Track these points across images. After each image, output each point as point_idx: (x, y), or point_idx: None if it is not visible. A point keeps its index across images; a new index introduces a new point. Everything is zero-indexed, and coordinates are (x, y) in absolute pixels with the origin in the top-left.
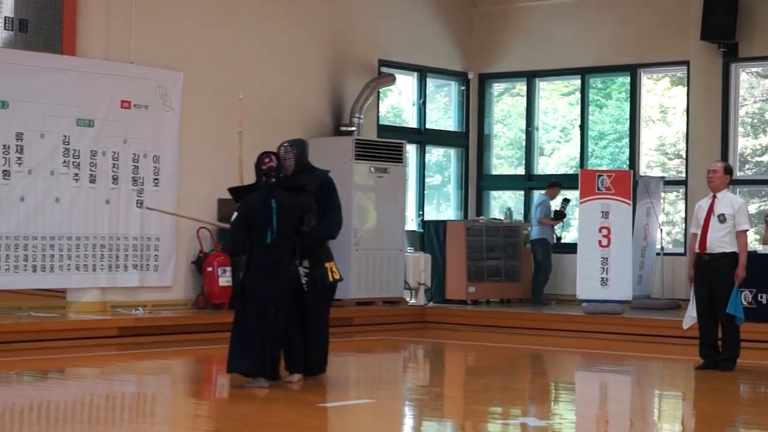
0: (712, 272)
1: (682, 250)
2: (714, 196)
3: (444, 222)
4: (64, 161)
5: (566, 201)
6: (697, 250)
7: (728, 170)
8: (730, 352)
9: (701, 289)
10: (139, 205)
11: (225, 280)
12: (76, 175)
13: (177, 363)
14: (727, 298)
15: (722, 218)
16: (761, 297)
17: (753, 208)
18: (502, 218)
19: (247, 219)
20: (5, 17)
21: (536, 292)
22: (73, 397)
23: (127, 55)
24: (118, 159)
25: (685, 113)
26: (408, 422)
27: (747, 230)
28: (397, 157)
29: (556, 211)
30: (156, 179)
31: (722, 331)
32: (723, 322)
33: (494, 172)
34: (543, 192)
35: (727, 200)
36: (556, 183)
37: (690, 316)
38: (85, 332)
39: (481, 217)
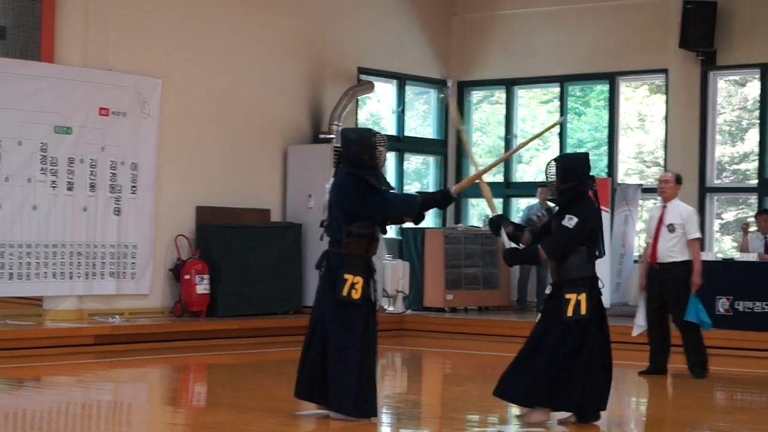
0: (664, 282)
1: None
2: (664, 206)
3: (422, 229)
4: (42, 168)
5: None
6: (649, 260)
7: (679, 180)
8: (696, 359)
9: (652, 298)
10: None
11: (202, 287)
12: (54, 182)
13: (154, 371)
14: (682, 306)
15: (671, 228)
16: (738, 305)
17: (731, 215)
18: (481, 226)
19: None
20: None
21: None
22: (49, 406)
23: (106, 63)
24: (96, 166)
25: (663, 121)
26: (385, 430)
27: (699, 238)
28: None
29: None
30: (134, 186)
31: (682, 339)
32: (681, 330)
33: None
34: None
35: (677, 210)
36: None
37: (638, 325)
38: (62, 340)
39: (460, 225)
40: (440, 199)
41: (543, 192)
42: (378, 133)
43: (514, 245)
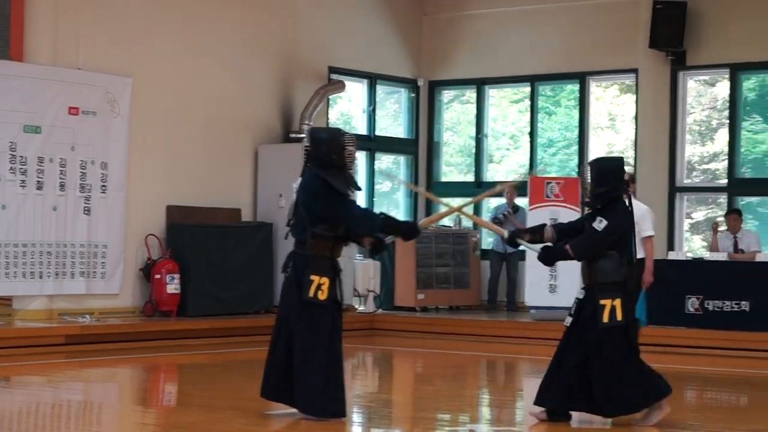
0: None
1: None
2: None
3: None
4: (11, 168)
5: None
6: None
7: (633, 179)
8: None
9: None
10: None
11: (173, 287)
12: (23, 181)
13: (124, 371)
14: (635, 301)
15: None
16: (708, 304)
17: (701, 215)
18: (452, 225)
19: None
20: None
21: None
22: (19, 406)
23: (75, 61)
24: (66, 165)
25: (633, 121)
26: (356, 429)
27: (652, 236)
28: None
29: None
30: (104, 186)
31: None
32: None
33: (444, 179)
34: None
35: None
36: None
37: None
38: (32, 340)
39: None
40: (405, 229)
41: (509, 192)
42: (347, 133)
43: (547, 244)
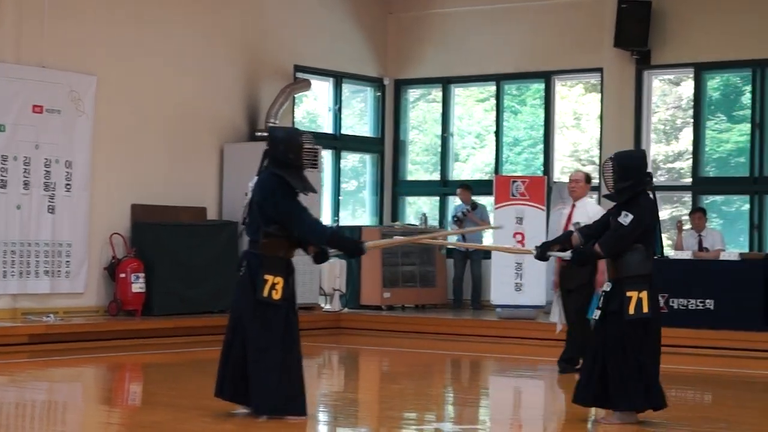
0: (569, 278)
1: None
2: (573, 205)
3: (359, 227)
4: None
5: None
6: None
7: (589, 179)
8: (570, 354)
9: (563, 296)
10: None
11: (138, 286)
12: None
13: (89, 370)
14: (584, 303)
15: (578, 226)
16: (673, 302)
17: (665, 214)
18: (418, 224)
19: None
20: None
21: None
22: None
23: (39, 59)
24: (30, 164)
25: (598, 120)
26: (322, 429)
27: None
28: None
29: (455, 216)
30: (68, 185)
31: (569, 332)
32: (572, 324)
33: (409, 178)
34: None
35: (585, 209)
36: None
37: (557, 322)
38: None
39: (397, 223)
40: (350, 246)
41: (463, 193)
42: (305, 132)
43: (576, 249)
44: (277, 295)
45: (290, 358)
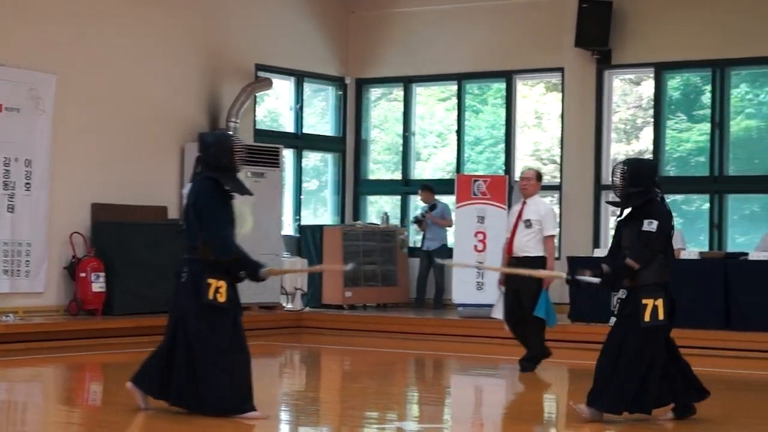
0: (518, 276)
1: (556, 255)
2: (524, 202)
3: (321, 227)
4: None
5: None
6: (507, 254)
7: (540, 177)
8: (532, 353)
9: (508, 293)
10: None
11: (98, 285)
12: None
13: (49, 370)
14: (533, 301)
15: (528, 223)
16: None
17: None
18: (379, 223)
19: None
20: None
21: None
22: None
23: None
24: None
25: (559, 119)
26: (283, 428)
27: (553, 235)
28: (274, 161)
29: (415, 217)
30: (28, 183)
31: (527, 332)
32: (529, 323)
33: (371, 177)
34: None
35: (535, 206)
36: (427, 186)
37: (499, 317)
38: None
39: (358, 222)
40: (251, 268)
41: (423, 194)
42: (235, 135)
43: (605, 272)
44: (221, 298)
45: (239, 359)
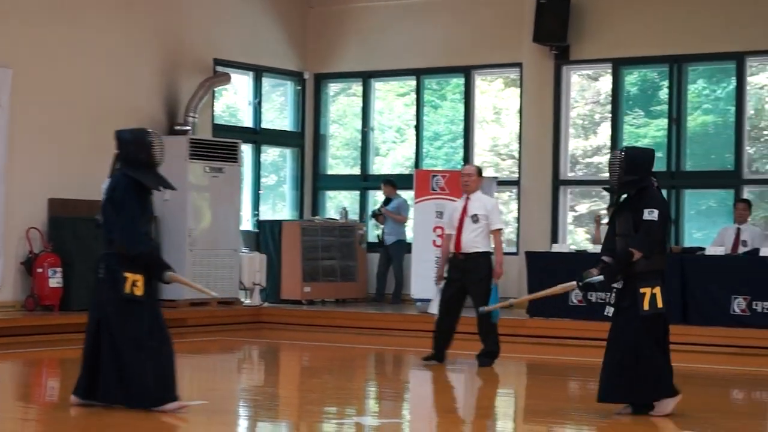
0: (466, 271)
1: (514, 250)
2: (468, 198)
3: (279, 222)
4: None
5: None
6: (453, 250)
7: (480, 172)
8: (488, 347)
9: (449, 288)
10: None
11: (55, 281)
12: None
13: (5, 366)
14: (484, 296)
15: (475, 219)
16: (591, 296)
17: (583, 208)
18: (338, 218)
19: None
20: None
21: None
22: None
23: None
24: None
25: (518, 114)
26: (242, 423)
27: (501, 229)
28: (233, 156)
29: (372, 213)
30: None
31: (480, 328)
32: (480, 318)
33: (330, 172)
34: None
35: (480, 201)
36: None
37: (434, 312)
38: None
39: (317, 217)
40: (157, 268)
41: (385, 188)
42: (152, 131)
43: (606, 265)
44: (138, 291)
45: (161, 350)
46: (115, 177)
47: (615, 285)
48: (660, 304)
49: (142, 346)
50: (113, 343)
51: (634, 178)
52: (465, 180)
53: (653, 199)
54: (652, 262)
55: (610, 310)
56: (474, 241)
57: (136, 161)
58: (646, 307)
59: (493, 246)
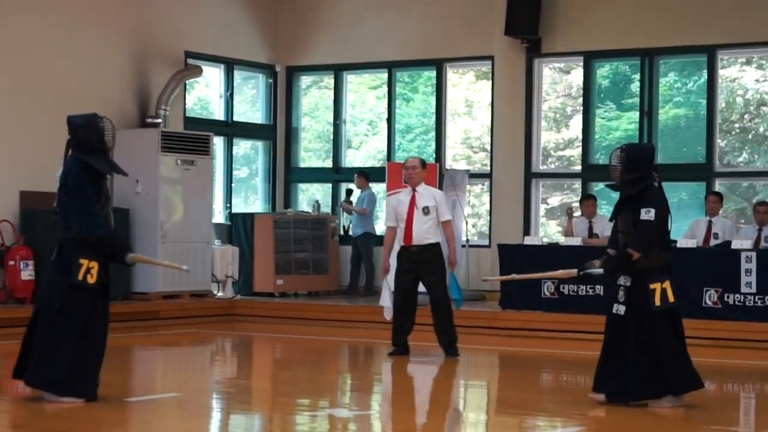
0: (420, 263)
1: (487, 242)
2: (415, 191)
3: (252, 215)
4: None
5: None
6: (404, 243)
7: (424, 164)
8: (450, 337)
9: (404, 280)
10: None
11: (27, 273)
12: None
13: None
14: (442, 284)
15: (426, 211)
16: (563, 288)
17: (555, 201)
18: (310, 211)
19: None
20: None
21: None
22: None
23: None
24: None
25: (489, 107)
26: (215, 415)
27: (450, 219)
28: (204, 149)
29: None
30: None
31: (437, 317)
32: (438, 308)
33: (302, 165)
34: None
35: (428, 193)
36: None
37: (388, 308)
38: None
39: (289, 210)
40: (118, 251)
41: (357, 180)
42: (104, 117)
43: (606, 260)
44: (92, 279)
45: (95, 344)
46: (67, 163)
47: (621, 282)
48: (671, 299)
49: (75, 335)
50: (48, 326)
51: (636, 176)
52: (410, 173)
53: (652, 198)
54: (657, 257)
55: (620, 308)
56: (427, 233)
57: (87, 146)
58: (657, 302)
59: (444, 237)
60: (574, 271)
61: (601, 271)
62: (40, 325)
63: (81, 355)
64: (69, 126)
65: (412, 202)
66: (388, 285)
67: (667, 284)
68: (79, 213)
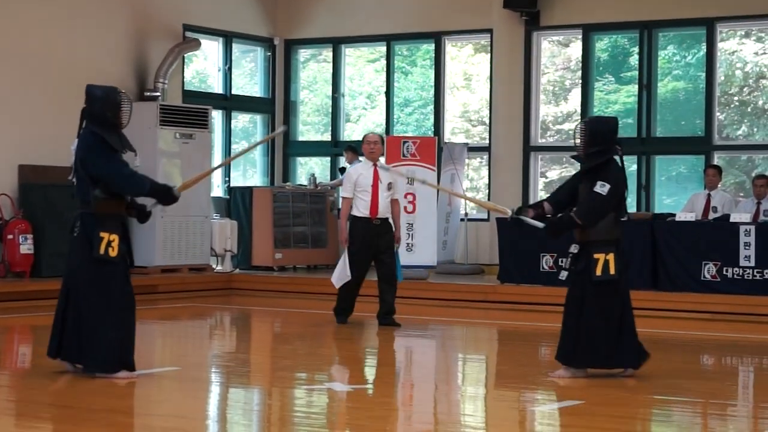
0: (381, 235)
1: (485, 216)
2: (375, 165)
3: (250, 188)
4: None
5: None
6: (368, 215)
7: (383, 140)
8: (391, 306)
9: (366, 251)
10: None
11: (26, 247)
12: None
13: None
14: (393, 260)
15: (389, 186)
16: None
17: (554, 174)
18: (307, 184)
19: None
20: None
21: None
22: None
23: None
24: None
25: (488, 81)
26: (214, 389)
27: (397, 199)
28: (203, 122)
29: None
30: None
31: (387, 289)
32: (390, 281)
33: (300, 139)
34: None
35: (384, 170)
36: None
37: (345, 276)
38: None
39: (288, 183)
40: (162, 193)
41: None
42: (123, 92)
43: (549, 218)
44: (113, 252)
45: (127, 316)
46: (82, 136)
47: (571, 250)
48: (612, 271)
49: (108, 310)
50: (79, 305)
51: (597, 149)
52: (371, 148)
53: (610, 172)
54: (606, 230)
55: (564, 274)
56: (387, 207)
57: (101, 118)
58: (598, 272)
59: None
60: (507, 211)
61: (538, 223)
62: (72, 305)
63: (119, 329)
64: (87, 95)
65: (376, 176)
66: (345, 256)
67: (611, 257)
68: (119, 179)
